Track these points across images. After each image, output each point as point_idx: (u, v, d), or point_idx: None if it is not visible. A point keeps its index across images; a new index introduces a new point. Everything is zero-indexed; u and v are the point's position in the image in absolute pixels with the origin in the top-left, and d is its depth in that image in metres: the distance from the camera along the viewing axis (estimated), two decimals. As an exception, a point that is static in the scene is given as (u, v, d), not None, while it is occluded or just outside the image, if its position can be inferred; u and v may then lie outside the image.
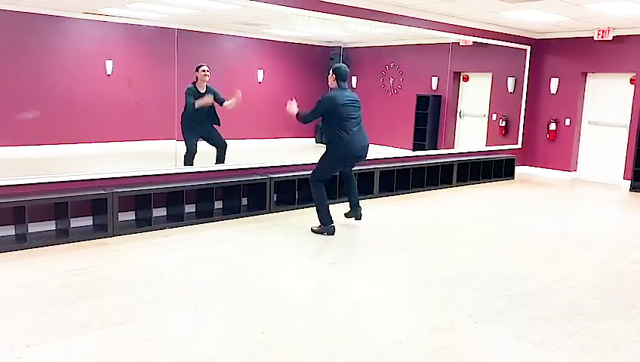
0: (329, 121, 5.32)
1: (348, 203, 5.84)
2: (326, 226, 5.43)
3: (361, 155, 5.46)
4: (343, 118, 5.25)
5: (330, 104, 5.27)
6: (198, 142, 6.77)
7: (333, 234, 5.42)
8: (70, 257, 4.51)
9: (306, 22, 7.20)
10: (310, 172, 5.65)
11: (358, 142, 5.34)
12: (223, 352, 3.01)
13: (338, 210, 6.61)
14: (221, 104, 6.78)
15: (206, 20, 8.53)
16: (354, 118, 5.30)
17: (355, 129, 5.29)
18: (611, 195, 8.43)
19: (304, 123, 5.46)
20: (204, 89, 6.69)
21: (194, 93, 6.59)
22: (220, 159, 6.80)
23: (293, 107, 5.40)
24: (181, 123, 6.71)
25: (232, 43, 9.68)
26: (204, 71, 6.60)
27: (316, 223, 5.52)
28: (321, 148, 5.55)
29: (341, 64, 5.46)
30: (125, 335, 3.17)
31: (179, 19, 7.15)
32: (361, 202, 5.85)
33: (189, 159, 6.58)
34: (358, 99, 5.45)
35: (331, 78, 5.39)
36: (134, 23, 8.19)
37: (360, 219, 5.78)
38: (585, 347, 3.22)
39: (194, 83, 6.65)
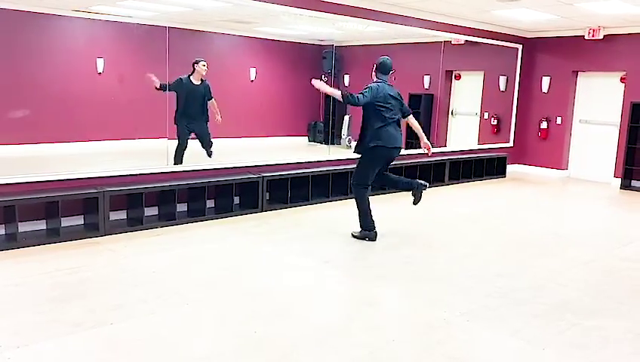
0: (371, 114, 5.05)
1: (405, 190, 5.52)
2: (368, 232, 5.21)
3: (396, 155, 5.26)
4: (383, 112, 5.03)
5: (379, 93, 5.01)
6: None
7: (374, 240, 5.18)
8: (61, 256, 4.48)
9: (298, 20, 7.20)
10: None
11: (396, 142, 5.12)
12: (215, 351, 3.00)
13: (336, 210, 6.61)
14: (209, 100, 7.01)
15: (198, 18, 8.49)
16: (392, 112, 5.08)
17: (393, 127, 5.09)
18: (602, 193, 8.48)
19: (350, 103, 5.00)
20: (199, 82, 6.86)
21: (184, 84, 6.76)
22: (209, 156, 6.95)
23: (322, 84, 4.96)
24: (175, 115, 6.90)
25: (224, 41, 9.66)
26: (204, 65, 6.83)
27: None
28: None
29: (385, 57, 5.23)
30: (117, 334, 3.16)
31: (170, 17, 7.13)
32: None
33: (178, 154, 6.66)
34: (399, 95, 5.22)
35: (373, 70, 5.21)
36: (125, 21, 8.14)
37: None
38: (576, 344, 3.24)
39: (189, 75, 6.82)
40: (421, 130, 5.49)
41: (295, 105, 11.13)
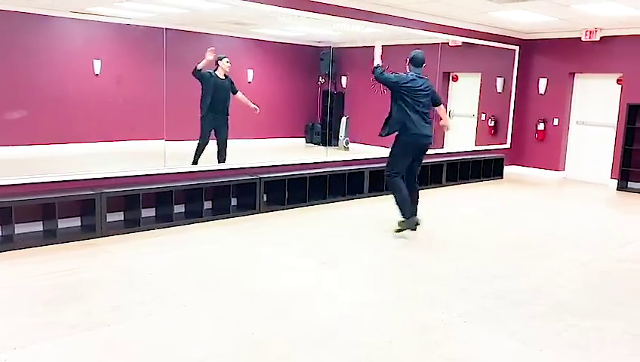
0: (397, 101, 5.28)
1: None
2: (409, 219, 5.30)
3: (425, 143, 5.39)
4: (410, 101, 5.24)
5: (407, 82, 5.25)
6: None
7: (414, 228, 5.33)
8: (58, 258, 4.46)
9: (296, 21, 7.21)
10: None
11: (422, 130, 5.28)
12: (213, 352, 2.99)
13: (334, 211, 6.61)
14: (235, 93, 7.29)
15: (195, 20, 8.49)
16: (420, 104, 5.29)
17: (419, 116, 5.27)
18: (599, 195, 8.50)
19: (374, 74, 5.29)
20: (224, 77, 7.13)
21: (212, 78, 7.04)
22: (221, 158, 7.06)
23: (378, 51, 5.41)
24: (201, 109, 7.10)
25: (222, 42, 9.62)
26: (227, 62, 7.12)
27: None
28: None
29: (418, 50, 5.46)
30: (114, 336, 3.15)
31: (167, 18, 7.12)
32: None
33: (199, 152, 6.85)
34: (429, 86, 5.42)
35: (406, 63, 5.43)
36: (122, 23, 8.13)
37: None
38: (574, 345, 3.25)
39: (214, 70, 7.08)
40: (446, 116, 5.86)
41: (293, 106, 11.12)
